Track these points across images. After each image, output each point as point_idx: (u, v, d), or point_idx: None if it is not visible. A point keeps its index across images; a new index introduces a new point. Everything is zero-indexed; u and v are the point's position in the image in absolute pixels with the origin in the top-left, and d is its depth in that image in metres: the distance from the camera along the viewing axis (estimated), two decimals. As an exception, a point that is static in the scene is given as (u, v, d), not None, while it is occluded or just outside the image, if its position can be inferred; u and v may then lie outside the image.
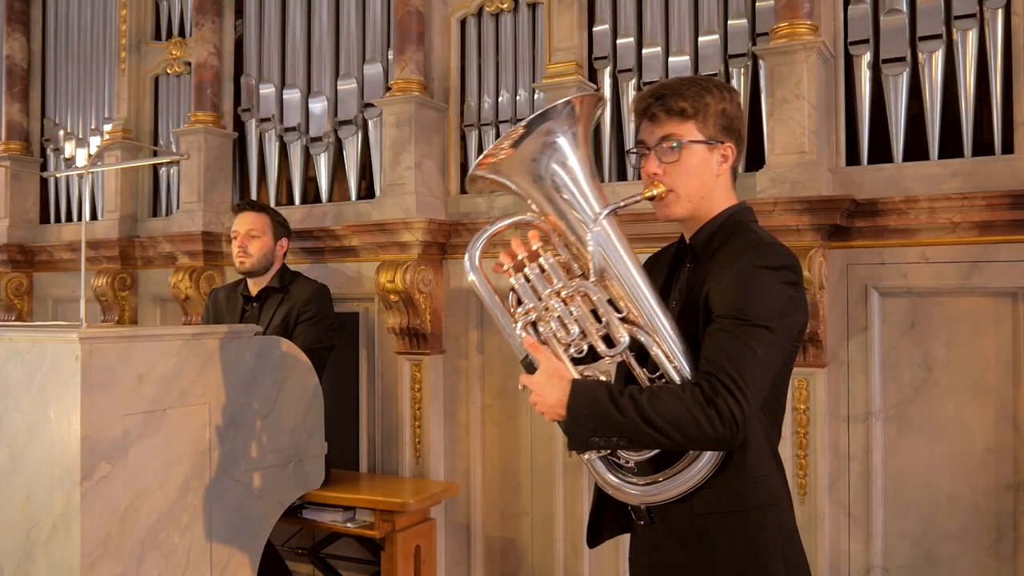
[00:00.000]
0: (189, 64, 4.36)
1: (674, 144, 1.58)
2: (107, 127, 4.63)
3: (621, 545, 3.06)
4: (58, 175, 4.84)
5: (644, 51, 3.24)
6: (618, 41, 3.30)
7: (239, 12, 4.27)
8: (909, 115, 2.86)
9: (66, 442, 2.16)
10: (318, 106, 3.94)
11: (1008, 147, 2.70)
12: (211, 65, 4.18)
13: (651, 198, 1.60)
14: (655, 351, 1.52)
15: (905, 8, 2.81)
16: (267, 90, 4.10)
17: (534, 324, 1.56)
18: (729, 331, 1.45)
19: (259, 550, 2.61)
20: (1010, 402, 2.65)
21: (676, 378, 1.51)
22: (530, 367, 1.53)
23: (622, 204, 1.55)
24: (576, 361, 1.56)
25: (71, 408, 2.15)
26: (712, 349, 1.46)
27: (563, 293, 1.55)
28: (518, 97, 3.50)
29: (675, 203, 1.61)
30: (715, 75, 3.06)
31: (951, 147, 2.77)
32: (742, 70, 3.09)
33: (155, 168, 4.54)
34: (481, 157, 1.56)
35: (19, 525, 2.25)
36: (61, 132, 4.95)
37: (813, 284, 2.71)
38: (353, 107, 3.84)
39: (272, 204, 3.92)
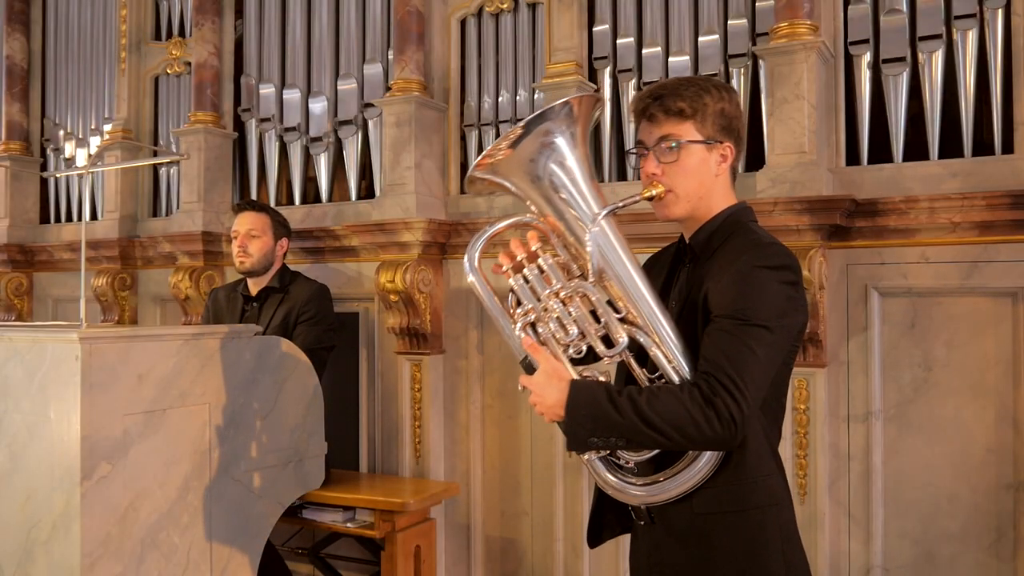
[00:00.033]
0: (189, 64, 4.36)
1: (672, 144, 1.58)
2: (107, 127, 4.63)
3: (621, 545, 3.06)
4: (58, 175, 4.84)
5: (644, 51, 3.24)
6: (618, 41, 3.30)
7: (239, 12, 4.27)
8: (909, 115, 2.86)
9: (66, 442, 2.16)
10: (318, 106, 3.94)
11: (1008, 147, 2.70)
12: (211, 65, 4.18)
13: (650, 198, 1.60)
14: (654, 351, 1.52)
15: (905, 8, 2.81)
16: (267, 90, 4.10)
17: (533, 325, 1.56)
18: (728, 331, 1.45)
19: (259, 550, 2.61)
20: (1010, 402, 2.65)
21: (675, 378, 1.51)
22: (529, 368, 1.53)
23: (620, 204, 1.54)
24: (576, 362, 1.56)
25: (71, 408, 2.15)
26: (711, 349, 1.46)
27: (562, 294, 1.55)
28: (518, 97, 3.50)
29: (674, 203, 1.61)
30: (715, 75, 3.06)
31: (951, 147, 2.77)
32: (742, 70, 3.09)
33: (155, 168, 4.55)
34: (479, 158, 1.56)
35: (19, 525, 2.25)
36: (61, 132, 4.95)
37: (813, 284, 2.71)
38: (353, 107, 3.84)
39: (272, 204, 3.92)
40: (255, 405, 2.60)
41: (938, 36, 2.77)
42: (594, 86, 3.33)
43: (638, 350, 1.55)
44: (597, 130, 3.33)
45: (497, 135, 3.52)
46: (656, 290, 1.58)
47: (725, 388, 1.41)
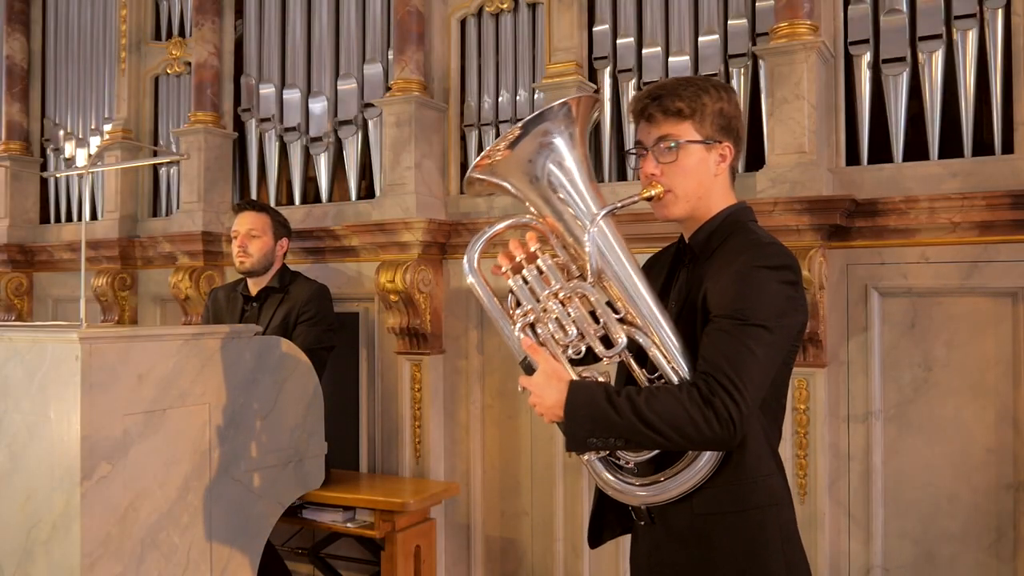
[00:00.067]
0: (189, 64, 4.36)
1: (671, 144, 1.58)
2: (107, 127, 4.63)
3: (621, 545, 3.06)
4: (58, 175, 4.84)
5: (644, 51, 3.24)
6: (618, 41, 3.30)
7: (239, 12, 4.27)
8: (909, 115, 2.86)
9: (66, 442, 2.16)
10: (318, 106, 3.94)
11: (1008, 147, 2.70)
12: (211, 65, 4.18)
13: (649, 199, 1.60)
14: (653, 352, 1.52)
15: (905, 8, 2.81)
16: (267, 90, 4.10)
17: (532, 326, 1.56)
18: (727, 331, 1.45)
19: (259, 550, 2.61)
20: (1010, 402, 2.65)
21: (674, 378, 1.51)
22: (529, 369, 1.53)
23: (619, 205, 1.54)
24: (576, 362, 1.56)
25: (71, 408, 2.15)
26: (710, 349, 1.46)
27: (561, 295, 1.55)
28: (518, 97, 3.50)
29: (673, 203, 1.61)
30: (715, 75, 3.06)
31: (951, 147, 2.77)
32: (742, 70, 3.09)
33: (155, 168, 4.55)
34: (478, 159, 1.56)
35: (19, 525, 2.25)
36: (61, 132, 4.95)
37: (813, 284, 2.71)
38: (353, 107, 3.84)
39: (272, 204, 3.92)
40: (255, 405, 2.60)
41: (938, 36, 2.77)
42: (594, 86, 3.33)
43: (637, 351, 1.55)
44: (597, 130, 3.34)
45: (497, 135, 3.51)
46: (656, 290, 1.58)
47: (724, 388, 1.41)
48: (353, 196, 3.85)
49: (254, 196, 4.14)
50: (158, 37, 4.59)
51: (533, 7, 3.51)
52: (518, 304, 1.57)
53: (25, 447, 2.26)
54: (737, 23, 3.09)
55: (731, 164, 1.64)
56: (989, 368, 2.68)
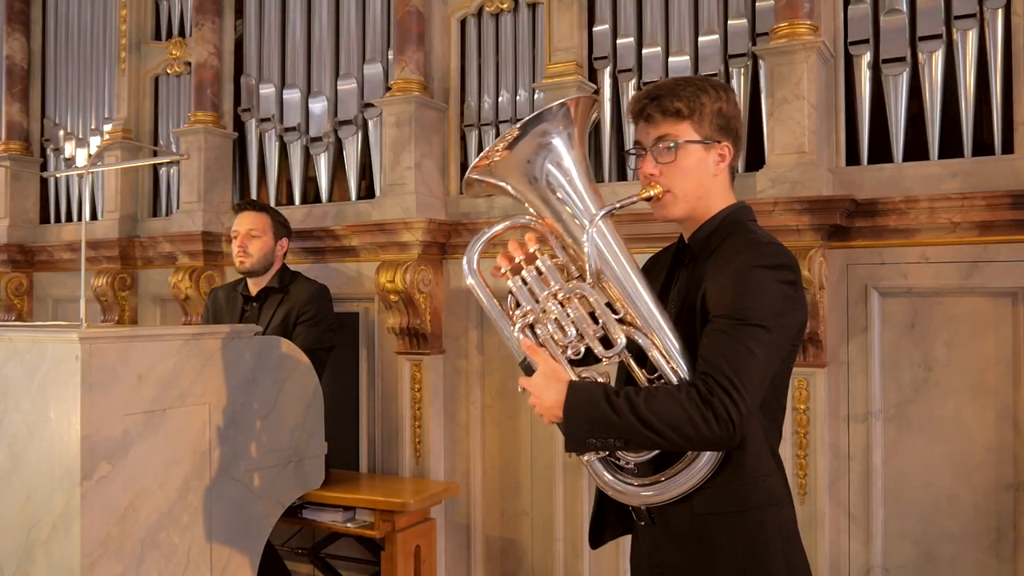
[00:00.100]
0: (189, 64, 4.36)
1: (670, 144, 1.58)
2: (107, 127, 4.64)
3: (621, 545, 3.06)
4: (58, 175, 4.85)
5: (644, 51, 3.24)
6: (618, 41, 3.30)
7: (239, 12, 4.27)
8: (909, 115, 2.86)
9: (66, 442, 2.16)
10: (318, 106, 3.94)
11: (1008, 147, 2.70)
12: (211, 65, 4.18)
13: (648, 199, 1.60)
14: (652, 352, 1.52)
15: (905, 8, 2.81)
16: (267, 90, 4.10)
17: (532, 327, 1.56)
18: (726, 331, 1.45)
19: (259, 550, 2.61)
20: (1010, 402, 2.65)
21: (674, 379, 1.50)
22: (529, 370, 1.53)
23: (618, 205, 1.54)
24: (576, 363, 1.55)
25: (71, 408, 2.15)
26: (709, 349, 1.46)
27: (560, 295, 1.55)
28: (518, 97, 3.50)
29: (672, 203, 1.61)
30: (715, 75, 3.06)
31: (951, 147, 2.77)
32: (742, 70, 3.09)
33: (155, 168, 4.55)
34: (476, 161, 1.56)
35: (19, 525, 2.25)
36: (61, 132, 4.95)
37: (813, 284, 2.71)
38: (353, 107, 3.84)
39: (272, 204, 3.92)
40: (255, 405, 2.60)
41: (938, 36, 2.77)
42: (594, 86, 3.33)
43: (637, 351, 1.55)
44: (597, 130, 3.34)
45: (497, 135, 3.51)
46: (655, 291, 1.58)
47: (723, 388, 1.40)
48: (353, 196, 3.85)
49: (254, 196, 4.14)
50: (158, 37, 4.59)
51: (533, 7, 3.51)
52: (517, 305, 1.57)
53: (25, 447, 2.26)
54: (737, 23, 3.09)
55: (730, 164, 1.64)
56: (989, 368, 2.68)
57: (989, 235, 2.65)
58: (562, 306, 1.55)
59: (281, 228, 3.37)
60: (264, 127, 4.11)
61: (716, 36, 3.10)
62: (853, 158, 2.93)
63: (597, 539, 1.74)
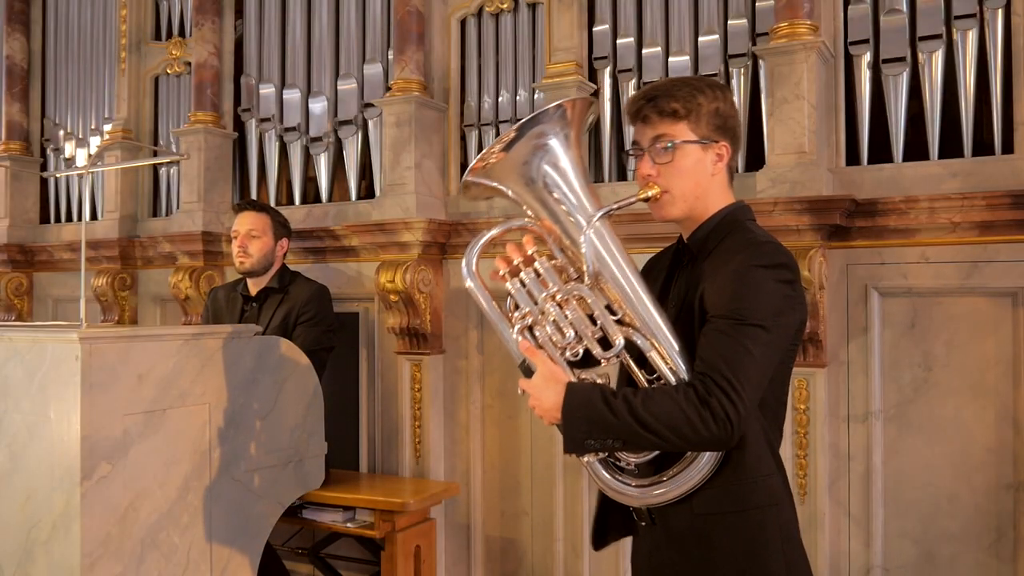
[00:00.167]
0: (189, 64, 4.36)
1: (667, 145, 1.58)
2: (107, 127, 4.64)
3: (621, 546, 3.06)
4: (58, 175, 4.85)
5: (644, 51, 3.24)
6: (618, 41, 3.30)
7: (239, 12, 4.28)
8: (909, 115, 2.86)
9: (66, 442, 2.16)
10: (318, 106, 3.94)
11: (1008, 147, 2.70)
12: (211, 65, 4.18)
13: (646, 199, 1.60)
14: (651, 353, 1.52)
15: (905, 8, 2.81)
16: (267, 90, 4.10)
17: (531, 328, 1.56)
18: (724, 331, 1.45)
19: (259, 550, 2.61)
20: (1010, 402, 2.65)
21: (673, 379, 1.50)
22: (528, 371, 1.53)
23: (616, 206, 1.54)
24: (575, 364, 1.55)
25: (71, 408, 2.15)
26: (707, 349, 1.46)
27: (558, 297, 1.55)
28: (518, 97, 3.50)
29: (670, 204, 1.61)
30: (715, 75, 3.06)
31: (951, 147, 2.77)
32: (742, 70, 3.09)
33: (155, 168, 4.55)
34: (473, 163, 1.55)
35: (19, 525, 2.25)
36: (61, 132, 4.95)
37: (813, 284, 2.71)
38: (353, 107, 3.84)
39: (272, 204, 3.92)
40: (255, 405, 2.60)
41: (938, 36, 2.77)
42: (594, 86, 3.33)
43: (636, 352, 1.55)
44: (597, 130, 3.34)
45: (497, 135, 3.51)
46: (654, 292, 1.58)
47: (721, 388, 1.40)
48: (353, 196, 3.85)
49: (254, 196, 4.14)
50: (158, 37, 4.59)
51: (533, 7, 3.51)
52: (516, 307, 1.57)
53: (25, 447, 2.27)
54: (737, 23, 3.08)
55: (729, 164, 1.64)
56: (989, 368, 2.68)
57: (989, 235, 2.65)
58: (560, 308, 1.55)
59: (281, 228, 3.37)
60: (264, 127, 4.11)
61: (716, 36, 3.10)
62: (853, 158, 2.93)
63: (600, 541, 1.74)
